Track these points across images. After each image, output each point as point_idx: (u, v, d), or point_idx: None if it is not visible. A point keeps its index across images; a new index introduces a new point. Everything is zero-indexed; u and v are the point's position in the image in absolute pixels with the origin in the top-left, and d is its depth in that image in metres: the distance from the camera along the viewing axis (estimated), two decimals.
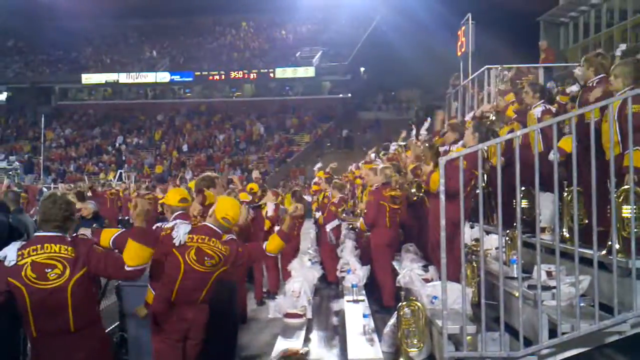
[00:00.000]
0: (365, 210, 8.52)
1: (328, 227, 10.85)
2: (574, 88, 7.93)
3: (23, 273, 3.84)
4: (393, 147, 11.57)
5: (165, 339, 4.87)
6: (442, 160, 4.88)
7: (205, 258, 4.85)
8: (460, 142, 7.38)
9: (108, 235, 4.78)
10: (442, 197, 4.93)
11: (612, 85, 5.59)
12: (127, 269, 4.06)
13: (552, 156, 5.35)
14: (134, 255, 4.06)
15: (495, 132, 8.85)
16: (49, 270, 3.86)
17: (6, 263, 3.88)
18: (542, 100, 7.59)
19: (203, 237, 4.88)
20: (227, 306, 6.16)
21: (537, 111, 7.41)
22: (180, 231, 4.82)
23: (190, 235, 4.85)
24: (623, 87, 5.51)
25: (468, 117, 9.54)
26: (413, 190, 7.15)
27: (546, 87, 8.17)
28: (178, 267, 4.82)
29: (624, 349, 5.34)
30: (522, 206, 7.04)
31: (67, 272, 3.90)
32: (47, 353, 3.94)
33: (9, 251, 3.92)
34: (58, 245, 3.93)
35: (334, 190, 11.29)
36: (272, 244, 5.29)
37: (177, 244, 4.79)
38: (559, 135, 5.54)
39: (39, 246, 3.92)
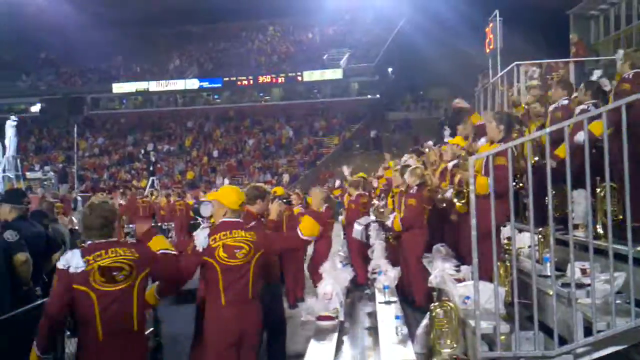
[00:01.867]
0: (404, 212, 8.21)
1: (358, 225, 10.66)
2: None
3: (91, 278, 4.01)
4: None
5: (215, 345, 4.86)
6: (471, 160, 4.85)
7: (235, 251, 4.89)
8: (483, 139, 7.20)
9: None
10: (472, 196, 4.90)
11: None
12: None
13: (578, 137, 5.26)
14: None
15: (520, 121, 8.65)
16: (117, 272, 4.06)
17: (72, 270, 4.01)
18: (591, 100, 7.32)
19: (223, 233, 4.92)
20: (279, 308, 6.55)
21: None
22: (201, 236, 4.89)
23: (213, 237, 4.90)
24: None
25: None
26: (455, 200, 6.96)
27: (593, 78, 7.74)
28: (214, 269, 4.86)
29: None
30: (555, 203, 6.98)
31: (134, 273, 4.13)
32: (110, 354, 4.06)
33: (72, 259, 4.05)
34: (122, 249, 4.14)
35: (350, 188, 11.46)
36: (305, 226, 5.28)
37: (201, 249, 4.84)
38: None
39: (103, 251, 4.09)
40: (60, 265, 4.10)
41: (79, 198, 26.26)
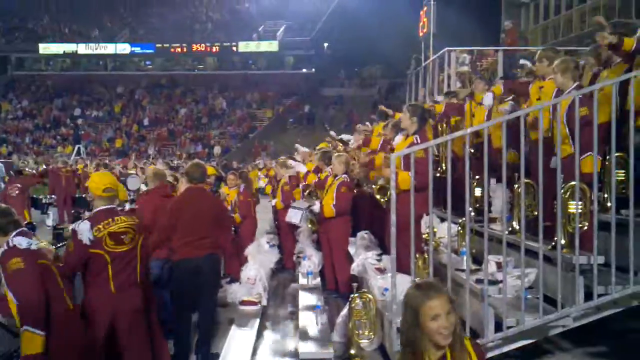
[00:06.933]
0: (338, 200, 8.04)
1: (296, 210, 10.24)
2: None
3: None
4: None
5: (93, 329, 4.78)
6: (393, 157, 4.93)
7: (122, 237, 4.85)
8: (399, 136, 7.33)
9: None
10: (393, 192, 4.99)
11: (559, 82, 5.71)
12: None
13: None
14: None
15: (432, 114, 8.97)
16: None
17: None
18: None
19: (106, 222, 4.82)
20: (216, 277, 6.64)
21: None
22: (84, 230, 4.74)
23: (96, 227, 4.76)
24: (572, 83, 5.65)
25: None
26: (378, 196, 7.10)
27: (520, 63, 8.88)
28: (102, 259, 4.77)
29: (569, 336, 5.55)
30: (476, 195, 7.19)
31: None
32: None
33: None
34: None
35: (279, 169, 10.97)
36: None
37: (88, 242, 4.72)
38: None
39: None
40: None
41: (0, 164, 25.27)
